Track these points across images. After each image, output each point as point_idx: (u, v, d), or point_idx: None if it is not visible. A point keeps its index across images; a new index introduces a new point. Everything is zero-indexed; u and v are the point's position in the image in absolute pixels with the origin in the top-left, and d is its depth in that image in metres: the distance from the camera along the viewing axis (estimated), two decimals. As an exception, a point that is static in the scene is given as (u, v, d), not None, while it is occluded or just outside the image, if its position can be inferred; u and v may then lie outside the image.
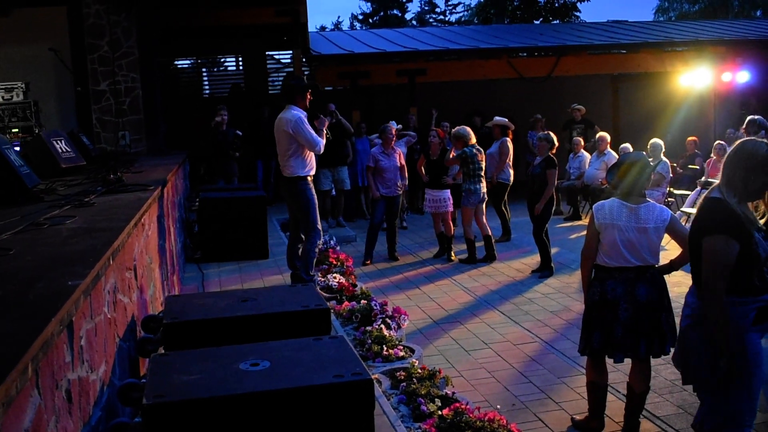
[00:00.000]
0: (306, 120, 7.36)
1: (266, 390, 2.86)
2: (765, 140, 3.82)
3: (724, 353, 3.65)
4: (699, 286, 3.82)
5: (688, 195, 12.25)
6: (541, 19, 31.03)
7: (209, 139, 12.47)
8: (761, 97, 16.79)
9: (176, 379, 2.94)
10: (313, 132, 7.34)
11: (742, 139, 3.92)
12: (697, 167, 13.75)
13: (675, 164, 13.39)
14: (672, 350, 4.54)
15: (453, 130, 10.65)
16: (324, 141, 7.47)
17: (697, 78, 16.13)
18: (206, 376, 2.98)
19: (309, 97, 7.54)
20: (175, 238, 7.74)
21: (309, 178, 7.55)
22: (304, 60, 15.18)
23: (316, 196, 7.66)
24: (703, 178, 12.24)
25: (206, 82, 19.15)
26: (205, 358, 3.20)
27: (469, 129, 10.51)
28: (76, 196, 5.36)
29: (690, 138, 15.02)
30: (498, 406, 5.34)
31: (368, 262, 10.31)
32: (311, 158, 7.53)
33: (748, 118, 10.00)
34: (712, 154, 12.44)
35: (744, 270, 3.66)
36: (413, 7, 51.48)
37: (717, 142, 12.61)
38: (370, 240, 10.37)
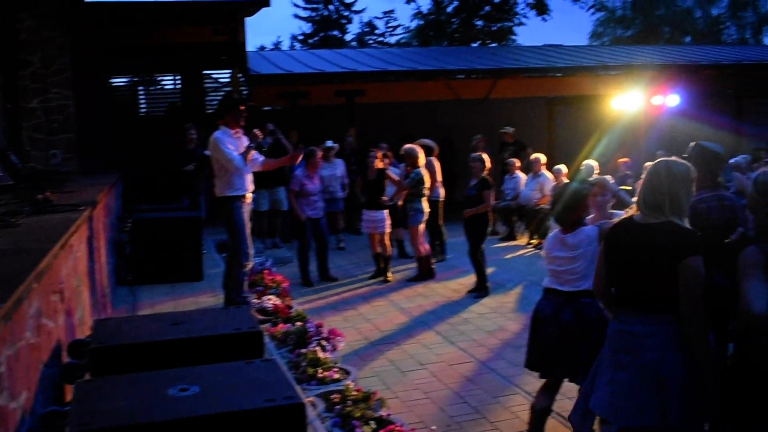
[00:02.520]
0: (225, 138, 7.29)
1: (195, 415, 2.81)
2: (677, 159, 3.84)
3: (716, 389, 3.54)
4: (663, 311, 3.62)
5: (620, 214, 12.48)
6: (479, 42, 31.48)
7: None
8: (690, 120, 17.29)
9: (102, 406, 2.87)
10: (232, 151, 7.26)
11: (662, 161, 3.83)
12: (630, 188, 14.03)
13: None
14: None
15: (404, 148, 10.70)
16: (249, 158, 7.38)
17: (629, 101, 16.52)
18: (133, 402, 2.91)
19: (243, 115, 7.48)
20: (106, 259, 7.58)
21: (241, 199, 7.45)
22: (242, 79, 15.11)
23: (245, 218, 7.57)
24: (634, 198, 12.49)
25: (143, 101, 18.88)
26: (133, 383, 3.13)
27: (418, 148, 10.61)
28: (1, 216, 5.22)
29: (621, 159, 15.37)
30: (433, 427, 5.35)
31: (307, 283, 10.24)
32: (241, 178, 7.42)
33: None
34: (642, 175, 12.71)
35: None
36: (353, 29, 51.78)
37: (647, 163, 12.88)
38: (303, 262, 10.32)
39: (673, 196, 3.67)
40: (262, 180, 11.09)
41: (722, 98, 21.56)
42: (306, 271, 10.32)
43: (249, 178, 7.58)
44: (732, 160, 11.22)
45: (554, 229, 5.01)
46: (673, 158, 3.92)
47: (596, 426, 4.39)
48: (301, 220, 10.23)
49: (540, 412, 5.00)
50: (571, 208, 4.85)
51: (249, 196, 7.64)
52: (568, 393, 5.40)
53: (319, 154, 10.60)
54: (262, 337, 3.95)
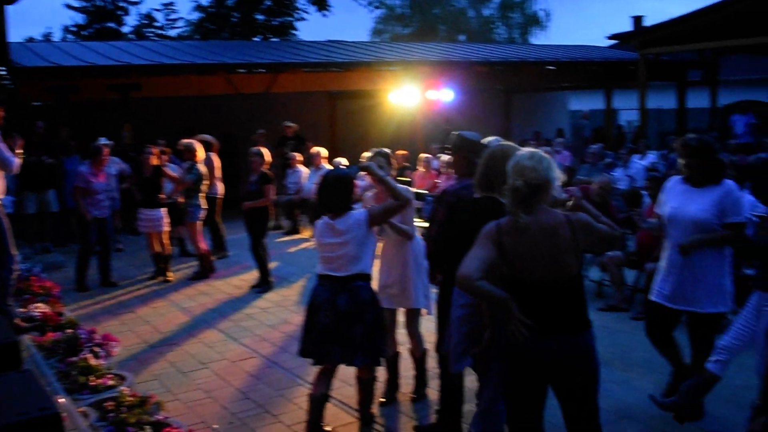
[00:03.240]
0: None
1: (-65, 438, 2.58)
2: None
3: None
4: None
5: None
6: (260, 36, 31.31)
7: None
8: (463, 114, 18.21)
9: None
10: (4, 150, 6.77)
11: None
12: (408, 179, 14.56)
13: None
14: (362, 363, 4.88)
15: (182, 142, 10.43)
16: (18, 161, 6.91)
17: (406, 95, 17.10)
18: None
19: (1, 113, 6.96)
20: None
21: None
22: (3, 72, 14.05)
23: (5, 221, 7.06)
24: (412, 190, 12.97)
25: None
26: None
27: (197, 143, 10.39)
28: None
29: (399, 152, 15.89)
30: (215, 426, 5.29)
31: (83, 288, 9.72)
32: None
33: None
34: (418, 167, 13.24)
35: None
36: (131, 21, 49.71)
37: (422, 155, 13.46)
38: (82, 265, 9.79)
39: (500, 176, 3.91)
40: (28, 181, 10.43)
41: (493, 93, 22.94)
42: (84, 275, 9.79)
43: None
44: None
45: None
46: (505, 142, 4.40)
47: None
48: (86, 220, 9.69)
49: (318, 400, 5.05)
50: (336, 193, 4.91)
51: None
52: (350, 380, 5.55)
53: (106, 150, 10.06)
54: (18, 349, 3.69)
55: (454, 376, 4.64)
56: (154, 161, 10.34)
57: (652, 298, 5.31)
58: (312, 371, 5.71)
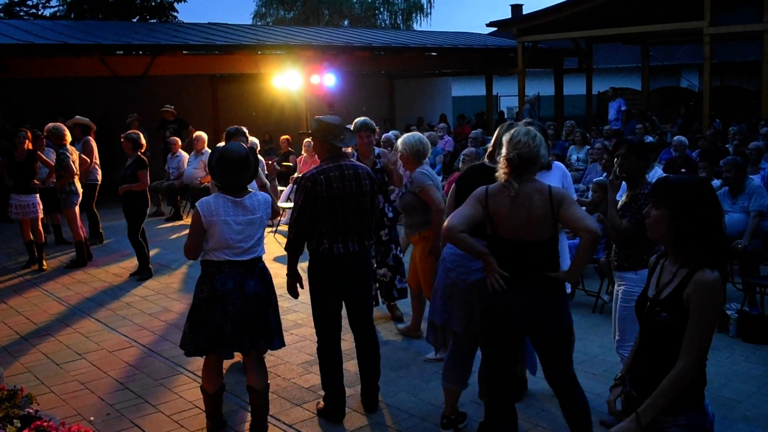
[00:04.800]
0: None
1: None
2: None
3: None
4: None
5: (283, 190, 12.84)
6: (137, 17, 30.33)
7: None
8: (347, 98, 18.25)
9: None
10: None
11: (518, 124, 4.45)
12: (291, 164, 14.49)
13: (271, 161, 13.98)
14: (279, 346, 4.80)
15: (49, 126, 10.01)
16: None
17: (289, 80, 16.96)
18: None
19: None
20: None
21: None
22: None
23: None
24: (295, 174, 12.91)
25: None
26: None
27: (64, 127, 10.02)
28: None
29: (284, 137, 15.81)
30: (91, 418, 5.13)
31: None
32: None
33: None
34: (302, 152, 13.17)
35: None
36: (0, -1, 47.15)
37: (306, 140, 13.39)
38: None
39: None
40: None
41: (376, 78, 23.07)
42: None
43: None
44: (384, 135, 12.05)
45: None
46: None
47: None
48: None
49: (219, 394, 4.94)
50: (247, 169, 4.71)
51: None
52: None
53: None
54: None
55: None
56: (28, 145, 9.87)
57: None
58: (192, 360, 5.61)
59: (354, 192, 5.01)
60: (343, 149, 5.19)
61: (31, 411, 4.56)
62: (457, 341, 4.82)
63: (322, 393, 5.29)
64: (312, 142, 5.55)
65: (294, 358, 6.33)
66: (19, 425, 4.26)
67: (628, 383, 3.09)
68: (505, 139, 4.08)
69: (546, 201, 3.94)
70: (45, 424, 4.13)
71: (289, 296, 5.26)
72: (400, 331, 6.93)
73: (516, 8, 30.55)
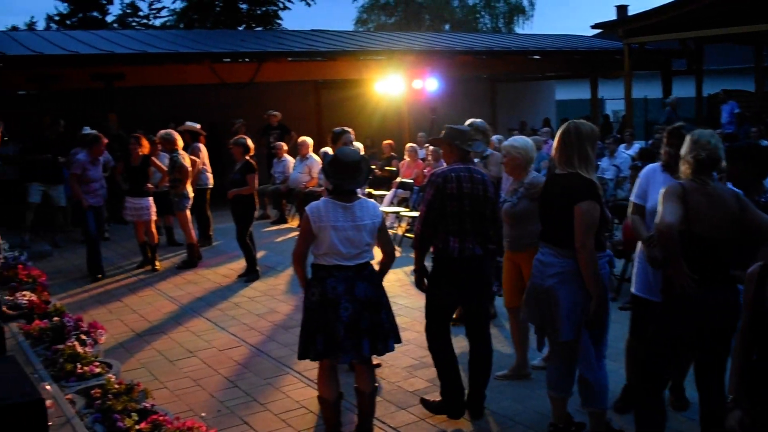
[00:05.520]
0: None
1: None
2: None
3: (598, 298, 4.39)
4: (564, 247, 4.44)
5: (386, 195, 12.90)
6: (243, 25, 31.12)
7: None
8: (448, 103, 18.18)
9: None
10: None
11: (571, 123, 4.57)
12: (394, 168, 14.55)
13: (374, 166, 14.07)
14: (393, 346, 4.79)
15: (160, 134, 10.38)
16: None
17: (391, 85, 17.04)
18: None
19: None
20: None
21: None
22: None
23: None
24: (398, 179, 12.95)
25: None
26: None
27: (175, 133, 10.36)
28: None
29: (386, 141, 15.87)
30: (203, 414, 5.25)
31: (99, 276, 9.72)
32: None
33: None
34: (405, 156, 13.21)
35: (598, 230, 4.44)
36: (115, 10, 49.20)
37: (409, 144, 13.43)
38: (95, 252, 9.77)
39: (581, 152, 4.46)
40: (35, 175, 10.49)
41: (478, 82, 22.90)
42: (99, 263, 9.83)
43: None
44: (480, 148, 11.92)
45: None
46: (581, 120, 4.68)
47: None
48: (83, 207, 9.63)
49: (336, 402, 4.88)
50: (359, 174, 4.75)
51: None
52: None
53: (104, 140, 9.99)
54: (2, 336, 3.66)
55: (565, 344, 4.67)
56: (144, 150, 10.25)
57: (635, 291, 5.18)
58: (299, 362, 5.61)
59: (480, 196, 5.10)
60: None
61: (147, 405, 4.72)
62: (556, 348, 4.71)
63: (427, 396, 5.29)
64: (441, 149, 5.59)
65: (399, 361, 6.32)
66: (137, 418, 4.41)
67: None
68: (690, 139, 4.16)
69: (735, 202, 4.06)
70: (161, 418, 4.25)
71: (395, 300, 5.28)
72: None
73: (621, 9, 29.77)
